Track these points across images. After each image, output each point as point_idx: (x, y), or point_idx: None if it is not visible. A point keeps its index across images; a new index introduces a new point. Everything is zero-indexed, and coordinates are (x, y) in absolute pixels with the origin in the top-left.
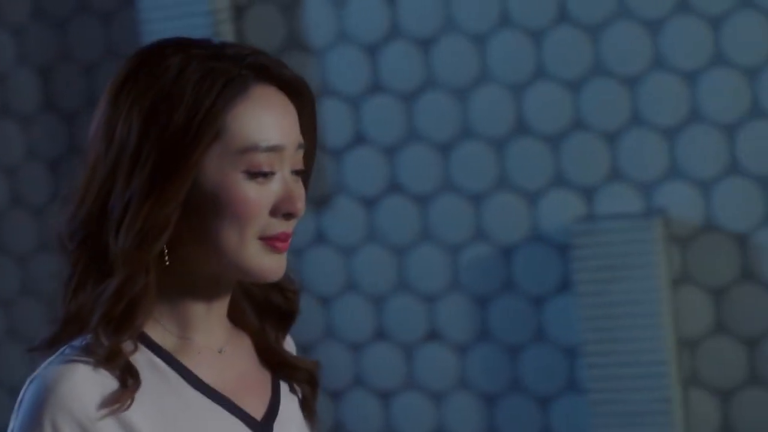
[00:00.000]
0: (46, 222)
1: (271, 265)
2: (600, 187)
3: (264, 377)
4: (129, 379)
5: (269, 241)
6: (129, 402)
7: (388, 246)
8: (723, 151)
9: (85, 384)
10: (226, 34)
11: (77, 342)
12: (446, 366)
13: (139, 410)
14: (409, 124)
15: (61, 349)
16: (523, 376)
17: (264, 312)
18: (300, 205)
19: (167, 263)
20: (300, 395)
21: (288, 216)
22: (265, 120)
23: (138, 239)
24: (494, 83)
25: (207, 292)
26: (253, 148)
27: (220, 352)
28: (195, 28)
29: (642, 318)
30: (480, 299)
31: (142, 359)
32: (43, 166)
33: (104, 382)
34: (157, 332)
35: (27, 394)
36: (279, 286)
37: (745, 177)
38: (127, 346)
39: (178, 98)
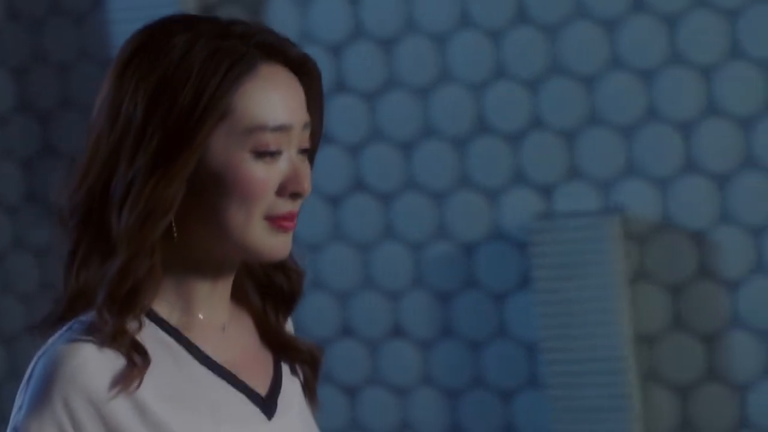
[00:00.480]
0: (21, 221)
1: (277, 245)
2: (559, 185)
3: (266, 356)
4: (137, 358)
5: (276, 221)
6: (139, 381)
7: (352, 243)
8: (680, 149)
9: (92, 363)
10: None
11: (84, 318)
12: (410, 362)
13: (149, 385)
14: (372, 123)
15: (68, 325)
16: (485, 372)
17: (266, 292)
18: (307, 184)
19: (174, 241)
20: (301, 377)
21: (295, 195)
22: (272, 99)
23: (141, 218)
24: (455, 83)
25: (212, 272)
26: (260, 128)
27: (223, 329)
28: None
29: (600, 314)
30: (442, 296)
31: (149, 335)
32: (17, 166)
33: (111, 361)
34: (162, 308)
35: (36, 370)
36: (283, 267)
37: (702, 175)
38: (132, 324)
39: (184, 78)
